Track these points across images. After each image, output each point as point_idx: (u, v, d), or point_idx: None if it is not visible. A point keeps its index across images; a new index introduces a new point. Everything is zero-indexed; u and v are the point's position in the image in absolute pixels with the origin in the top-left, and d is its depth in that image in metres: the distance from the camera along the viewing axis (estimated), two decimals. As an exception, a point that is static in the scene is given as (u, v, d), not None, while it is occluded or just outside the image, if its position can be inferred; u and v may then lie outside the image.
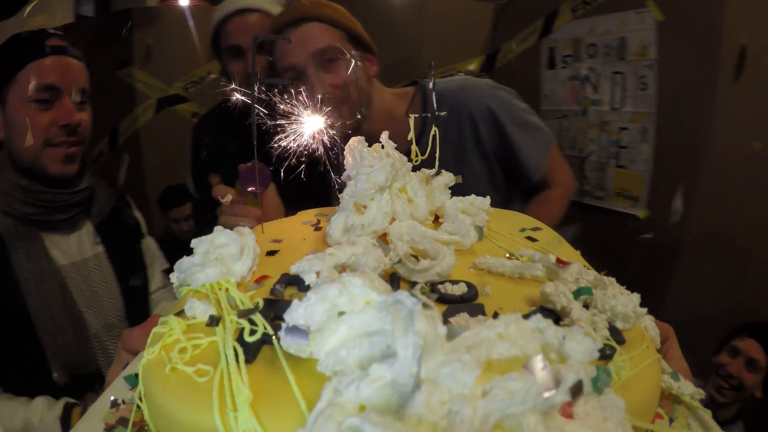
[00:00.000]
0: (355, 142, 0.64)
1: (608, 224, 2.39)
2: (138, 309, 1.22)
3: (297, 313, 0.37)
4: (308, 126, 0.70)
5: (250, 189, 0.93)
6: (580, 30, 2.41)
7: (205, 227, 1.81)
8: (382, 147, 0.64)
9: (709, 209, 2.06)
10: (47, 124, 1.03)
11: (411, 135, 0.77)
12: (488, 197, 0.68)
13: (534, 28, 2.60)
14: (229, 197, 1.00)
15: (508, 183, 1.23)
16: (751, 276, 2.04)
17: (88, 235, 1.16)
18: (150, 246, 1.32)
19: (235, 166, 1.62)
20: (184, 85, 2.99)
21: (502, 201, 1.13)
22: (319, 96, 0.77)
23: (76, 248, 1.13)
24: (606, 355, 0.41)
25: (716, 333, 1.80)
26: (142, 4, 2.98)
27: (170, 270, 1.41)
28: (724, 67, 1.95)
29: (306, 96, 0.82)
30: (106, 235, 1.19)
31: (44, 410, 0.91)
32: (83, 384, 1.07)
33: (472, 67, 2.79)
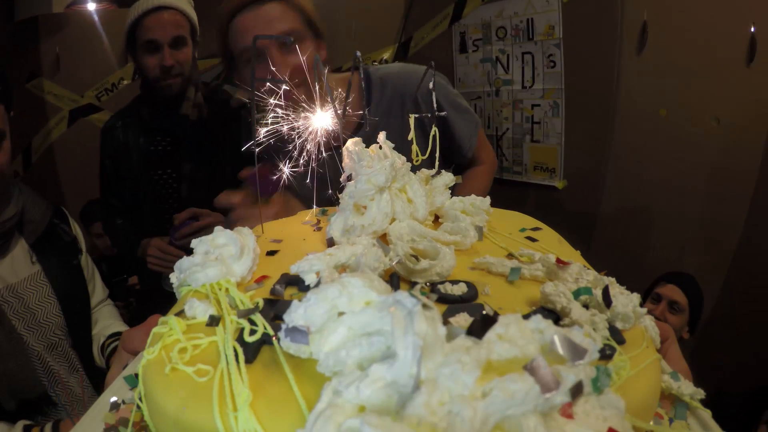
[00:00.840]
0: (353, 144, 0.64)
1: (529, 197, 2.54)
2: (80, 325, 1.17)
3: (297, 313, 0.37)
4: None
5: (262, 193, 0.91)
6: (489, 14, 2.52)
7: (117, 235, 1.76)
8: (380, 148, 0.64)
9: (620, 174, 2.22)
10: None
11: (411, 135, 0.77)
12: (488, 197, 0.68)
13: (445, 14, 2.68)
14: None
15: (445, 159, 1.35)
16: (664, 234, 2.19)
17: (23, 255, 1.11)
18: (89, 261, 1.28)
19: (149, 164, 1.59)
20: (97, 93, 2.89)
21: None
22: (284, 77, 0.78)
23: (10, 271, 1.08)
24: (606, 355, 0.41)
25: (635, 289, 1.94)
26: (48, 11, 2.83)
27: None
28: (626, 42, 2.09)
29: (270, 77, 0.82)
30: (42, 253, 1.13)
31: None
32: (32, 408, 1.03)
33: (386, 55, 2.82)
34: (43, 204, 1.19)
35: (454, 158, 1.35)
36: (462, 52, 2.68)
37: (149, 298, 1.74)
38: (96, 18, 2.81)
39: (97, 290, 1.28)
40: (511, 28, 2.44)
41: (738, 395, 1.83)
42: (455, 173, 1.37)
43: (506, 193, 2.59)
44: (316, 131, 0.71)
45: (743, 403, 1.81)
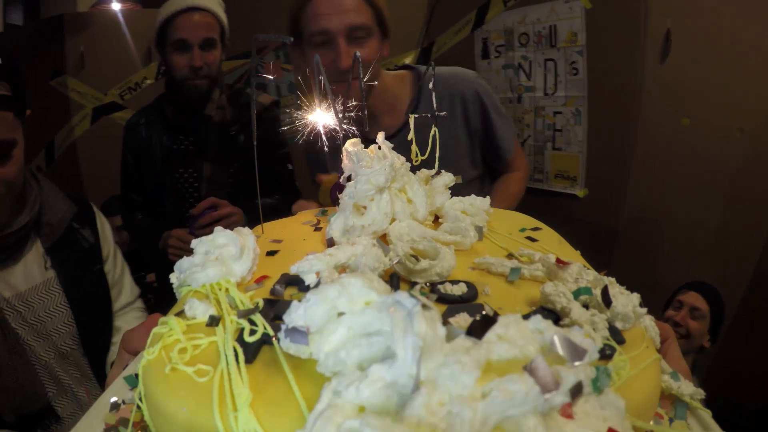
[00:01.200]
0: (352, 145, 0.64)
1: (550, 205, 2.53)
2: (97, 333, 1.11)
3: (296, 314, 0.37)
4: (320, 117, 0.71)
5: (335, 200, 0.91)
6: (511, 20, 2.51)
7: (137, 231, 1.77)
8: (379, 148, 0.64)
9: (643, 183, 2.21)
10: None
11: (411, 135, 0.77)
12: (488, 197, 0.69)
13: (467, 19, 2.68)
14: None
15: (483, 161, 1.42)
16: (686, 243, 2.17)
17: (37, 260, 1.04)
18: (117, 262, 1.20)
19: (170, 163, 1.62)
20: (120, 92, 2.92)
21: (478, 177, 1.41)
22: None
23: (21, 278, 1.02)
24: (606, 355, 0.41)
25: (655, 303, 1.94)
26: (73, 10, 2.87)
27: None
28: (650, 50, 2.08)
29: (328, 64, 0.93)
30: (58, 259, 1.06)
31: None
32: (32, 421, 0.98)
33: (407, 60, 2.81)
34: (64, 206, 1.13)
35: (492, 160, 1.42)
36: (484, 58, 2.67)
37: (166, 294, 1.74)
38: (120, 18, 2.86)
39: (124, 293, 1.21)
40: (533, 34, 2.43)
41: (757, 410, 1.82)
42: (491, 180, 1.45)
43: (526, 201, 2.57)
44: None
45: (762, 418, 1.81)
